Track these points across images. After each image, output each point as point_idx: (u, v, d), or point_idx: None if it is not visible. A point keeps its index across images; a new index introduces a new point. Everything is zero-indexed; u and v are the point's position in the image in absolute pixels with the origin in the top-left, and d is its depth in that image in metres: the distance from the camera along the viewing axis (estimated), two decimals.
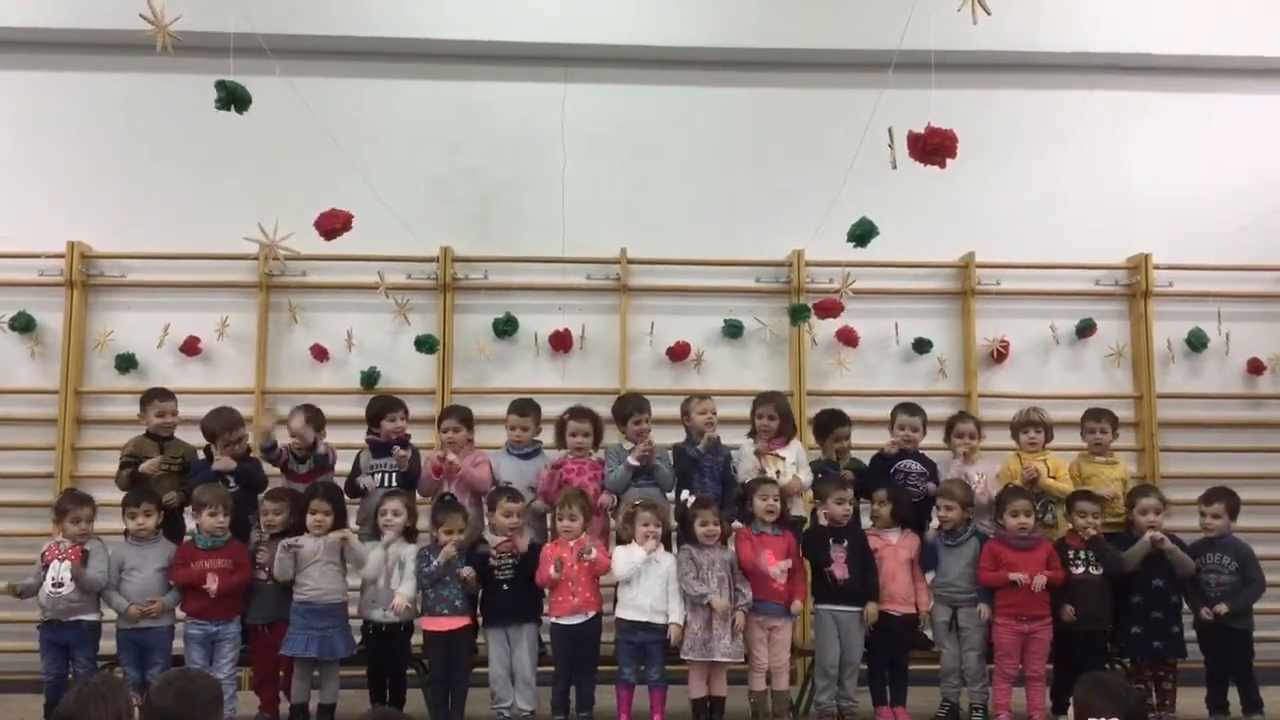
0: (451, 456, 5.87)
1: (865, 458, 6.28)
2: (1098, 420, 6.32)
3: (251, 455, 6.17)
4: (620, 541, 5.66)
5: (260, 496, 5.84)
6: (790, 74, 7.84)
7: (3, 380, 7.34)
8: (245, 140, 6.93)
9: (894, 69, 5.52)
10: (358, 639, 5.69)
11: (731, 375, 7.47)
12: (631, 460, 5.79)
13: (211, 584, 5.41)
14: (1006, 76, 7.85)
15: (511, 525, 5.57)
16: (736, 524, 5.77)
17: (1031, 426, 6.21)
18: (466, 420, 6.13)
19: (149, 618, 5.44)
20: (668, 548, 5.68)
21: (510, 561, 5.51)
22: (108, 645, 5.61)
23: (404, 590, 5.49)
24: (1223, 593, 5.73)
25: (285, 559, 5.44)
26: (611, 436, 6.22)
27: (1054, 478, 6.08)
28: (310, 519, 5.51)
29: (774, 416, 6.05)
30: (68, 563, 5.43)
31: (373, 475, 5.99)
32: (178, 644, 5.60)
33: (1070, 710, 3.49)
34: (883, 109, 5.19)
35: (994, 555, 5.66)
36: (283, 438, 6.10)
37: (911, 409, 6.25)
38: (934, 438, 6.45)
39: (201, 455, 6.00)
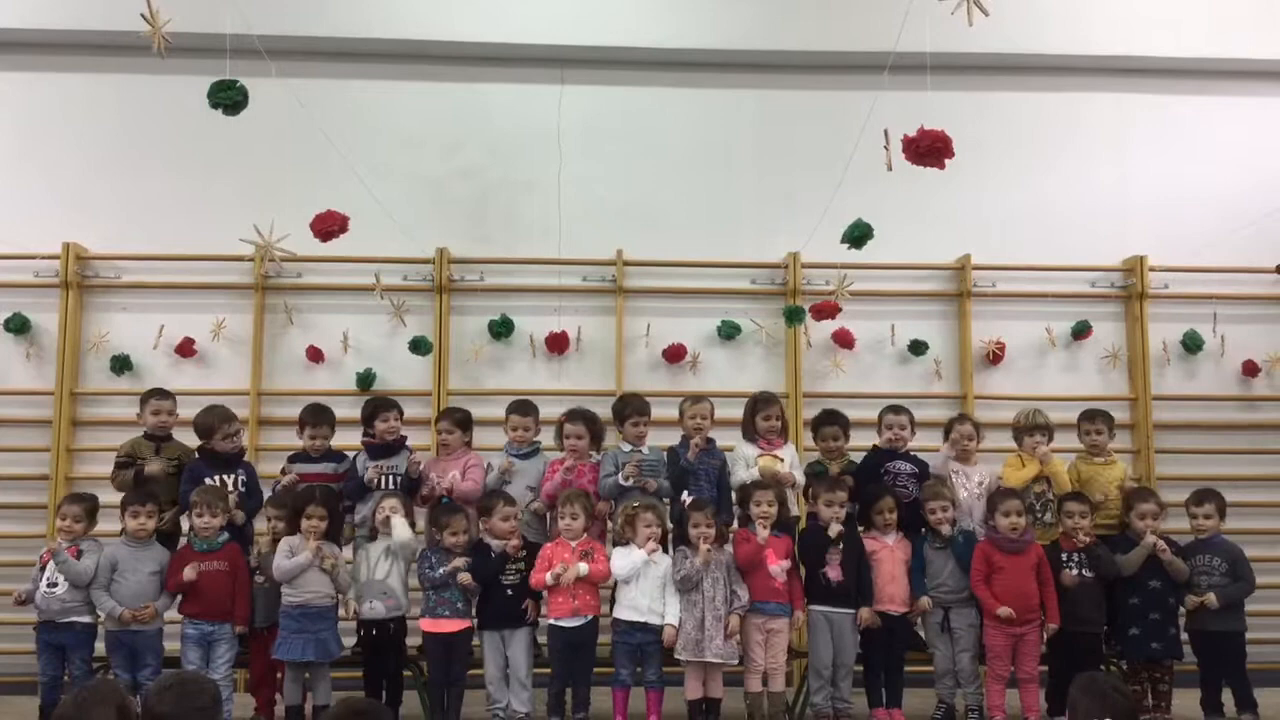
0: (444, 486, 5.85)
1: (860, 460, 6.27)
2: (1093, 421, 6.31)
3: (245, 459, 6.19)
4: (618, 543, 5.66)
5: (266, 501, 5.86)
6: (787, 76, 7.84)
7: None
8: (241, 141, 6.93)
9: (890, 71, 5.53)
10: (350, 640, 5.68)
11: (727, 377, 7.47)
12: (621, 480, 5.78)
13: (190, 575, 5.41)
14: (1002, 79, 7.87)
15: (510, 529, 5.57)
16: (735, 527, 5.78)
17: (1038, 430, 6.17)
18: (462, 423, 6.11)
19: (139, 623, 5.42)
20: (663, 549, 5.68)
21: (518, 567, 5.52)
22: (102, 647, 5.59)
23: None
24: (1214, 591, 5.73)
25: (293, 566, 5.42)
26: (611, 438, 6.22)
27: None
28: (305, 523, 5.48)
29: (780, 417, 6.08)
30: (64, 553, 5.41)
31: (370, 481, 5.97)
32: (170, 645, 5.59)
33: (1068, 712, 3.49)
34: (879, 111, 5.19)
35: (985, 557, 5.65)
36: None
37: (897, 409, 6.24)
38: (928, 439, 6.46)
39: (196, 455, 5.98)
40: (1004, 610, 5.52)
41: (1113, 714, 3.23)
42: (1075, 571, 5.69)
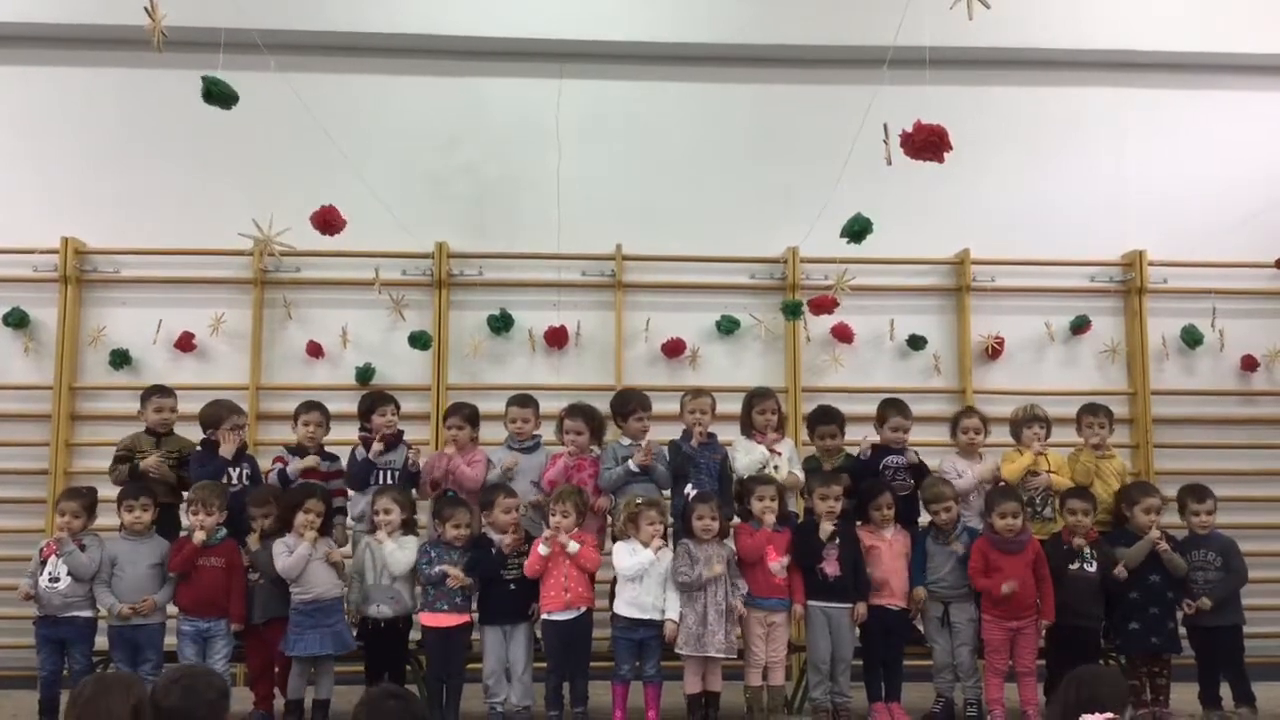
0: (450, 449, 5.87)
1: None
2: (1095, 415, 6.31)
3: (248, 453, 6.18)
4: (618, 539, 5.66)
5: (248, 499, 5.79)
6: (786, 70, 7.84)
7: None
8: (240, 136, 6.95)
9: (889, 65, 5.53)
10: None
11: (727, 372, 7.47)
12: (632, 465, 5.77)
13: (200, 535, 5.42)
14: (1002, 73, 7.86)
15: (512, 521, 5.57)
16: (736, 520, 5.79)
17: (1036, 422, 6.19)
18: (471, 418, 6.10)
19: (139, 616, 5.42)
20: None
21: (519, 561, 5.52)
22: (102, 641, 5.59)
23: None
24: (1209, 589, 5.76)
25: (298, 561, 5.40)
26: (611, 433, 6.22)
27: (1053, 473, 6.09)
28: (303, 516, 5.47)
29: (775, 411, 6.09)
30: (71, 545, 5.41)
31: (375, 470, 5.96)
32: (171, 640, 5.59)
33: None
34: (879, 106, 5.17)
35: (983, 554, 5.65)
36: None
37: (900, 408, 6.23)
38: (927, 433, 6.46)
39: (199, 448, 5.97)
40: (1008, 585, 5.50)
41: (1109, 699, 3.24)
42: (1076, 565, 5.68)
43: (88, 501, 5.63)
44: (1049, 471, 6.06)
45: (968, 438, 6.17)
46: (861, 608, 5.63)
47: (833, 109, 7.33)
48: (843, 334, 7.52)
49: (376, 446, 5.89)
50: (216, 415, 5.94)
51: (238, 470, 5.90)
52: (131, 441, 6.01)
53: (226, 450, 5.82)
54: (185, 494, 5.87)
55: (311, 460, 5.96)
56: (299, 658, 5.46)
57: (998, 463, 6.16)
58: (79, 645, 5.48)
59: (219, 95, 4.89)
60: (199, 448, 5.97)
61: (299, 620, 5.41)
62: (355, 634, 5.67)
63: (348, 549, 5.81)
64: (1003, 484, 5.96)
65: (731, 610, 5.44)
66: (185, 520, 5.84)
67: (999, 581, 5.55)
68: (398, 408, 6.15)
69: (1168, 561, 5.74)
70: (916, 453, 6.15)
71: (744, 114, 7.84)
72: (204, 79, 4.87)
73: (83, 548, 5.46)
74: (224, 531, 5.58)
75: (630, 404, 6.06)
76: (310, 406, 6.13)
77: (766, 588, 5.55)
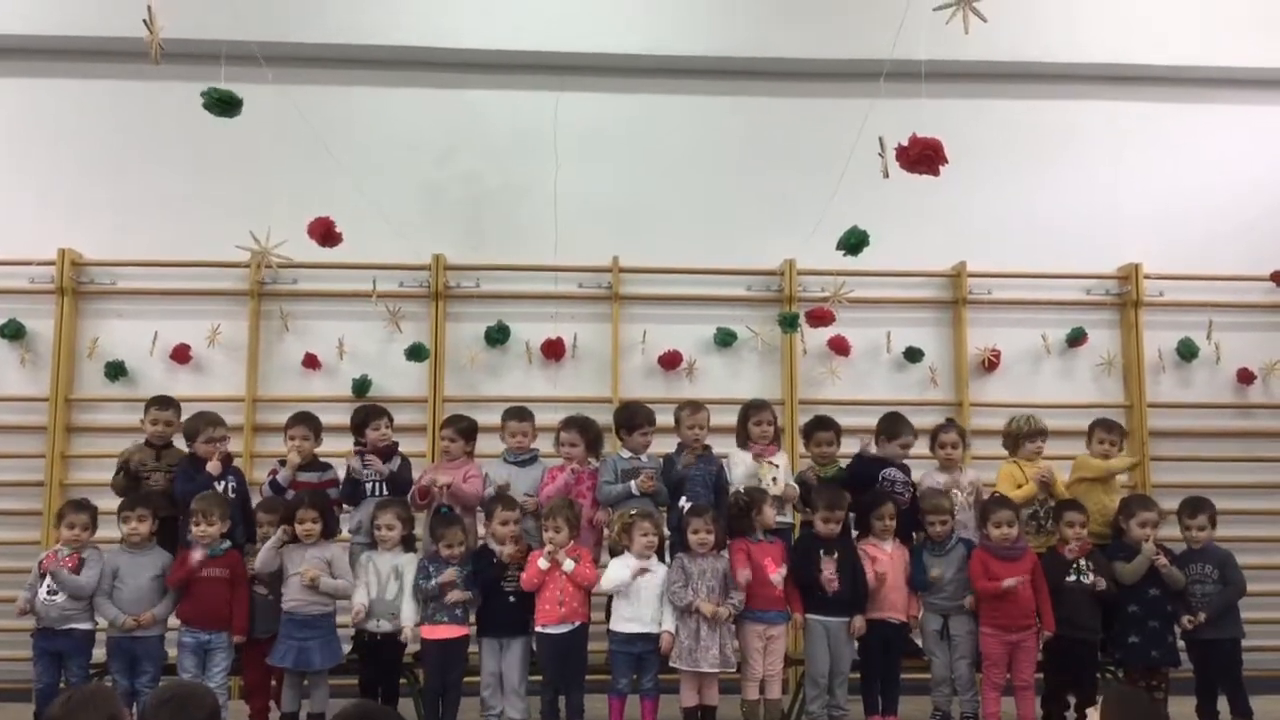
0: (443, 480, 5.80)
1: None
2: (1109, 432, 6.27)
3: (235, 464, 6.15)
4: (614, 553, 5.65)
5: (256, 506, 5.80)
6: (783, 83, 7.86)
7: None
8: (237, 147, 6.96)
9: (885, 79, 5.55)
10: (348, 647, 5.66)
11: (723, 384, 7.48)
12: (634, 489, 5.74)
13: (197, 554, 5.39)
14: (998, 86, 7.89)
15: (511, 534, 5.56)
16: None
17: (1038, 435, 6.19)
18: (465, 432, 6.06)
19: (141, 627, 5.40)
20: (661, 558, 5.67)
21: (518, 574, 5.50)
22: (99, 653, 5.57)
23: (407, 615, 5.48)
24: (1207, 602, 5.75)
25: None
26: (609, 444, 6.20)
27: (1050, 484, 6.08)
28: (299, 528, 5.47)
29: (771, 423, 6.07)
30: (64, 569, 5.40)
31: (364, 483, 5.95)
32: (170, 652, 5.57)
33: None
34: (875, 118, 5.20)
35: (983, 563, 5.66)
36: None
37: (913, 428, 6.17)
38: (923, 446, 6.45)
39: (183, 462, 5.94)
40: (1010, 580, 5.50)
41: None
42: (1073, 578, 5.67)
43: (93, 513, 5.63)
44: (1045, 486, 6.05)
45: (945, 453, 6.15)
46: (859, 620, 5.62)
47: (829, 122, 7.35)
48: (839, 346, 7.52)
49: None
50: (194, 429, 5.91)
51: (223, 484, 5.83)
52: (132, 455, 5.95)
53: (213, 466, 5.77)
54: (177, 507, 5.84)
55: (295, 457, 5.89)
56: (290, 671, 5.44)
57: (984, 478, 6.14)
58: (76, 658, 5.45)
59: (222, 103, 4.87)
60: (184, 461, 5.93)
61: (281, 629, 5.42)
62: (352, 647, 5.65)
63: (344, 560, 5.76)
64: (997, 494, 5.95)
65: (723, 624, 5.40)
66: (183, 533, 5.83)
67: (997, 596, 5.55)
68: (391, 420, 6.11)
69: (1167, 576, 5.73)
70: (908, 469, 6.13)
71: (741, 126, 7.86)
72: (203, 94, 4.85)
73: (81, 563, 5.43)
74: (227, 543, 5.55)
75: (636, 418, 6.03)
76: (297, 420, 6.06)
77: (764, 600, 5.52)
